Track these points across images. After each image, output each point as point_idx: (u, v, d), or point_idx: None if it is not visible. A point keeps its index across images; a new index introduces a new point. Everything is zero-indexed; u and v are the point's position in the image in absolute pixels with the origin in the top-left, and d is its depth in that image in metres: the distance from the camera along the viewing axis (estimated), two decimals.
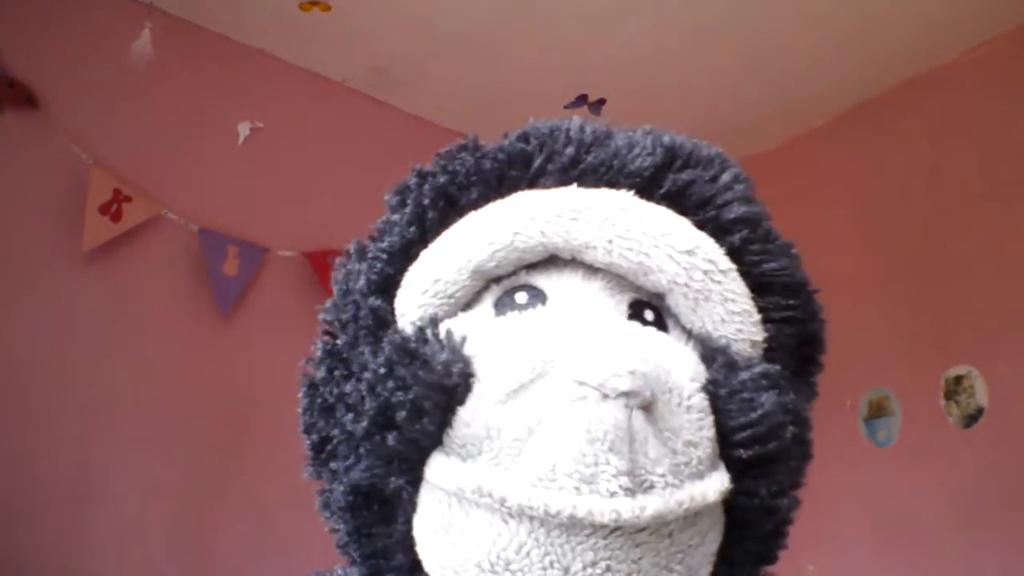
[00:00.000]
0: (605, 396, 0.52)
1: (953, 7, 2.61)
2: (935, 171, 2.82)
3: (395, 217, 0.67)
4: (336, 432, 0.62)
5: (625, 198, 0.63)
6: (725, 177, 0.67)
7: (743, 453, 0.57)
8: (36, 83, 2.40)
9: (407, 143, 2.87)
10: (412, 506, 0.59)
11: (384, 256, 0.66)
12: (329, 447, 0.62)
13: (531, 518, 0.53)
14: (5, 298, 2.27)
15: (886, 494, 2.77)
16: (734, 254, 0.63)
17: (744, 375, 0.59)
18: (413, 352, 0.57)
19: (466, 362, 0.56)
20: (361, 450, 0.58)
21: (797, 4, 2.60)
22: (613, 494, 0.52)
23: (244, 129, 2.79)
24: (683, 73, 2.91)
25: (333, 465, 0.62)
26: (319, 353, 0.65)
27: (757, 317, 0.63)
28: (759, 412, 0.57)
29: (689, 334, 0.64)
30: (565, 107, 2.95)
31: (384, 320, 0.64)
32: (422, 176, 0.68)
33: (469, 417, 0.55)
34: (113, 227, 2.44)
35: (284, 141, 2.83)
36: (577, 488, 0.52)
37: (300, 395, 0.65)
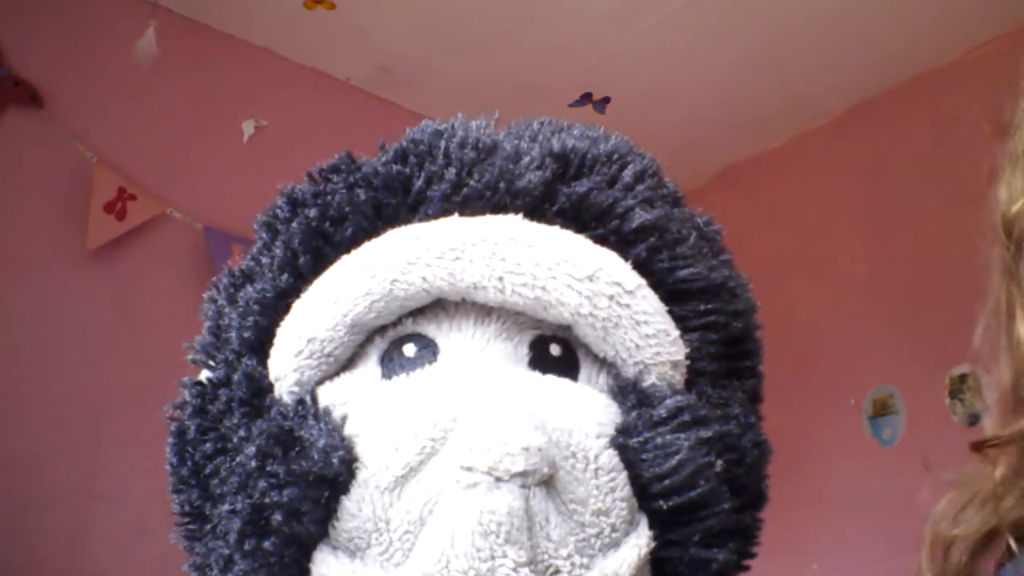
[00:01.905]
0: (498, 480, 0.47)
1: (958, 6, 2.60)
2: (939, 169, 2.81)
3: (264, 260, 0.62)
4: (208, 509, 0.56)
5: (513, 226, 0.56)
6: (626, 177, 0.60)
7: (663, 504, 0.52)
8: (40, 81, 2.40)
9: None
10: None
11: (256, 308, 0.60)
12: (208, 526, 0.56)
13: None
14: (10, 296, 2.28)
15: (891, 492, 2.76)
16: (642, 265, 0.58)
17: (660, 412, 0.53)
18: (288, 440, 0.52)
19: (348, 447, 0.51)
20: (236, 555, 0.52)
21: (801, 3, 2.59)
22: None
23: (248, 127, 2.79)
24: (687, 72, 2.91)
25: (213, 545, 0.55)
26: (189, 402, 0.59)
27: (675, 335, 0.57)
28: (675, 460, 0.52)
29: (603, 362, 0.58)
30: (569, 106, 2.95)
31: (259, 387, 0.57)
32: (293, 204, 0.62)
33: (355, 508, 0.50)
34: (118, 225, 2.44)
35: (289, 139, 2.83)
36: None
37: (168, 445, 0.59)
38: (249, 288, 0.61)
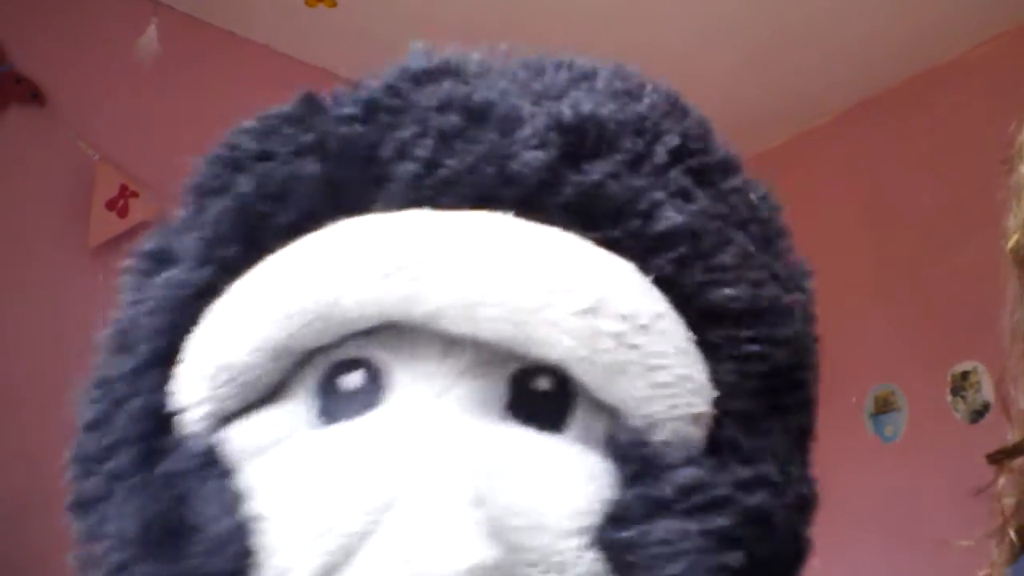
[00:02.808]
0: None
1: (958, 4, 2.60)
2: (940, 168, 2.81)
3: (188, 241, 0.46)
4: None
5: (490, 233, 0.41)
6: (657, 156, 0.44)
7: None
8: (42, 79, 2.40)
9: None
10: None
11: (167, 305, 0.45)
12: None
13: None
14: (12, 294, 2.28)
15: (893, 489, 2.77)
16: (667, 280, 0.42)
17: (665, 491, 0.39)
18: (173, 522, 0.40)
19: (247, 534, 0.39)
20: None
21: (800, 2, 2.59)
22: None
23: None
24: (687, 71, 2.90)
25: None
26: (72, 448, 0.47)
27: (700, 380, 0.42)
28: (678, 568, 0.38)
29: (602, 404, 0.43)
30: None
31: (155, 425, 0.44)
32: (232, 166, 0.48)
33: None
34: (120, 223, 2.44)
35: None
36: None
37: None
38: (164, 275, 0.46)
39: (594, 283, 0.41)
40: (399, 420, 0.41)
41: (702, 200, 0.45)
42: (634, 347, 0.41)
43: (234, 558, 0.38)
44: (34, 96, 2.37)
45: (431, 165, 0.43)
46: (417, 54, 0.47)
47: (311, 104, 0.47)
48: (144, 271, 0.48)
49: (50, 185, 2.39)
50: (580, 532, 0.38)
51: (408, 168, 0.43)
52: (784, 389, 0.47)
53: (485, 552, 0.36)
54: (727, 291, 0.44)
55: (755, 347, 0.44)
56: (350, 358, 0.43)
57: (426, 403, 0.41)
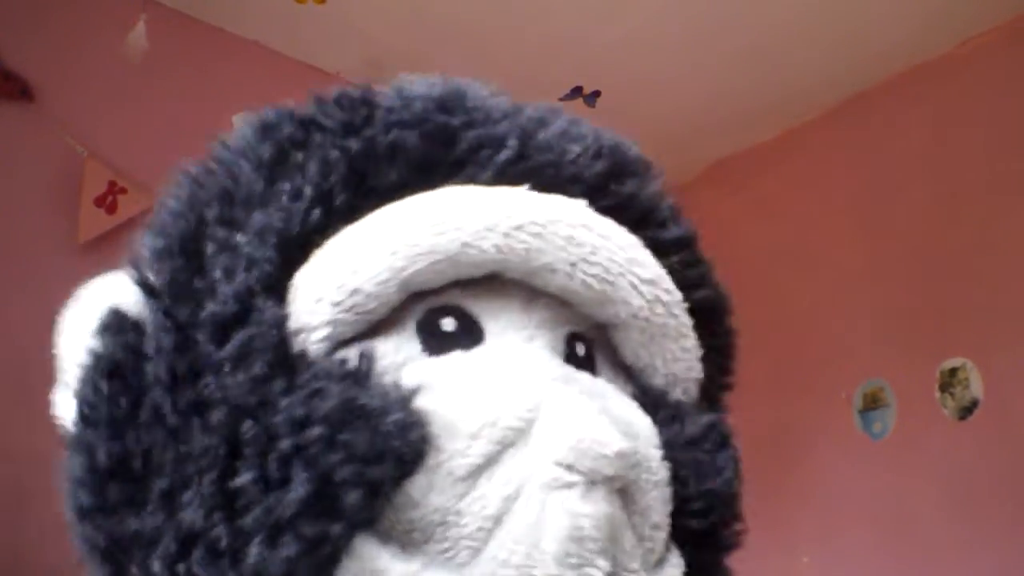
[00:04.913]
0: (592, 483, 0.43)
1: None
2: (933, 163, 2.82)
3: (284, 185, 0.50)
4: (172, 457, 0.45)
5: (586, 213, 0.52)
6: (655, 187, 0.58)
7: (696, 524, 0.50)
8: (31, 75, 2.39)
9: None
10: None
11: (274, 240, 0.49)
12: (162, 486, 0.45)
13: None
14: (0, 290, 2.27)
15: (881, 486, 2.77)
16: (672, 277, 0.56)
17: (692, 430, 0.52)
18: (357, 409, 0.44)
19: (422, 423, 0.44)
20: (286, 536, 0.42)
21: None
22: None
23: (239, 122, 2.78)
24: (682, 64, 2.91)
25: (192, 515, 0.44)
26: (151, 325, 0.49)
27: (700, 352, 0.56)
28: (721, 478, 0.51)
29: (625, 370, 0.56)
30: (560, 100, 2.95)
31: (286, 334, 0.47)
32: (318, 128, 0.52)
33: (419, 495, 0.44)
34: (108, 219, 2.43)
35: None
36: None
37: (91, 374, 0.50)
38: (260, 215, 0.50)
39: (653, 263, 0.53)
40: (511, 351, 0.51)
41: (691, 223, 0.59)
42: (674, 316, 0.54)
43: (415, 441, 0.44)
44: (23, 92, 2.36)
45: (519, 156, 0.53)
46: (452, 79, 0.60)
47: (370, 93, 0.56)
48: (226, 200, 0.51)
49: (39, 181, 2.39)
50: (658, 447, 0.50)
51: (501, 155, 0.53)
52: (725, 372, 0.62)
53: (627, 442, 0.45)
54: (707, 291, 0.58)
55: (721, 340, 0.60)
56: (445, 304, 0.51)
57: (519, 344, 0.52)
